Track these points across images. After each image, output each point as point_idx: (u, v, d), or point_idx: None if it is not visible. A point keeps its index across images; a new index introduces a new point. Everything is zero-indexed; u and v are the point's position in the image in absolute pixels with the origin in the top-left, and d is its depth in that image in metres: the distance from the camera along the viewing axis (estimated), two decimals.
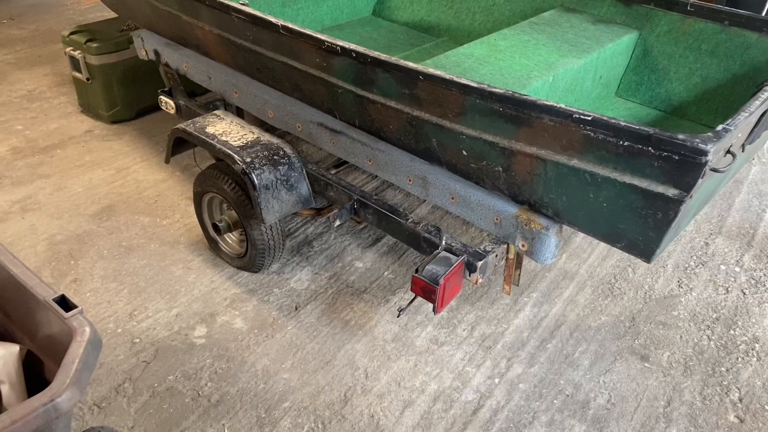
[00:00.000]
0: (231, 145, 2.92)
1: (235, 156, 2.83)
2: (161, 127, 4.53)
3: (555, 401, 2.53)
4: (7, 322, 1.85)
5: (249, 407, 2.51)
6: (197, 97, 3.78)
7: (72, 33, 4.49)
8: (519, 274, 2.67)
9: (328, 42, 2.50)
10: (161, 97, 3.72)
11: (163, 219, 3.61)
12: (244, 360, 2.72)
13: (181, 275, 3.20)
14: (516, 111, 2.12)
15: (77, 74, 4.53)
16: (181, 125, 3.08)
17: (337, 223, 2.82)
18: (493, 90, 2.13)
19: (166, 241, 3.44)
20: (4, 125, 4.62)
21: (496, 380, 2.62)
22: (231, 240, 3.30)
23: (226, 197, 3.05)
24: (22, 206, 3.72)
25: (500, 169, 2.35)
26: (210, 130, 3.04)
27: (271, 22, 2.67)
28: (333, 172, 3.45)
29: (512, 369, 2.67)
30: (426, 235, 2.60)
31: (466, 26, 3.89)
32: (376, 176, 3.13)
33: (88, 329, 1.49)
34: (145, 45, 3.82)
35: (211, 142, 2.94)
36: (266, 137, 3.02)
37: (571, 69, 2.88)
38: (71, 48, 4.46)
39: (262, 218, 2.83)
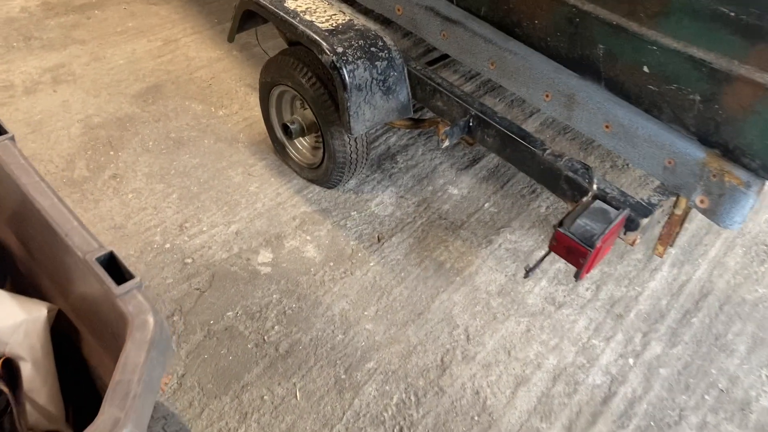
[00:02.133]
0: (318, 27, 2.27)
1: (324, 43, 2.19)
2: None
3: (706, 397, 2.02)
4: (31, 263, 1.33)
5: (325, 364, 2.04)
6: None
7: None
8: (677, 234, 2.08)
9: None
10: None
11: (219, 108, 3.02)
12: (319, 300, 2.23)
13: (240, 182, 2.66)
14: (760, 19, 1.46)
15: None
16: None
17: (446, 144, 2.21)
18: None
19: (223, 137, 2.87)
20: None
21: (630, 361, 2.10)
22: (303, 146, 2.72)
23: (303, 94, 2.44)
24: (54, 76, 3.14)
25: (698, 97, 1.71)
26: (290, 4, 2.38)
27: None
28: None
29: (650, 348, 2.15)
30: (570, 173, 1.99)
31: None
32: (473, 80, 2.48)
33: (151, 321, 0.96)
34: None
35: (293, 21, 2.29)
36: (361, 21, 2.35)
37: None
38: None
39: (350, 127, 2.23)
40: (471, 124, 2.24)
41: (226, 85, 3.16)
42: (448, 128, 2.21)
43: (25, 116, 2.90)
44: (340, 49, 2.19)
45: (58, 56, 3.28)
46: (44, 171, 2.64)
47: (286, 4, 2.37)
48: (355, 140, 2.46)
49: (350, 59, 2.19)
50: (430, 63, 2.86)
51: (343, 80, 2.17)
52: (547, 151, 2.06)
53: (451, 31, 2.26)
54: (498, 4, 2.08)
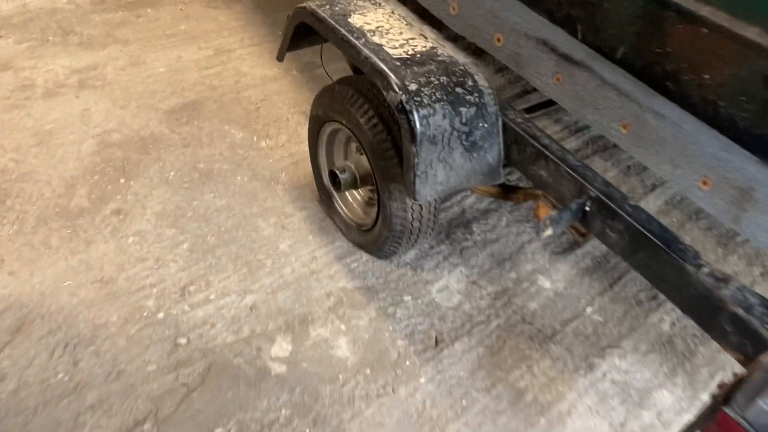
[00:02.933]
0: (387, 54, 1.67)
1: (392, 76, 1.59)
2: (289, 2, 3.29)
3: None
4: None
5: None
6: None
7: None
8: None
9: None
10: None
11: (263, 138, 2.47)
12: (342, 428, 1.60)
13: (270, 237, 2.08)
14: None
15: None
16: (310, 3, 1.85)
17: (549, 232, 1.55)
18: None
19: (260, 175, 2.31)
20: None
21: None
22: (354, 199, 2.13)
23: (360, 136, 1.85)
24: (81, 79, 2.68)
25: None
26: (356, 20, 1.79)
27: None
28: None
29: None
30: (740, 311, 1.30)
31: None
32: (579, 133, 1.82)
33: None
34: None
35: (355, 42, 1.70)
36: (447, 50, 1.74)
37: None
38: None
39: (414, 190, 1.62)
40: (587, 209, 1.58)
41: (276, 110, 2.62)
42: (553, 212, 1.56)
43: (35, 124, 2.43)
44: (413, 87, 1.59)
45: (93, 56, 2.82)
46: (37, 195, 2.15)
47: (350, 20, 1.79)
48: (420, 206, 1.84)
49: (425, 101, 1.58)
50: (528, 110, 2.23)
51: (412, 128, 1.56)
52: (704, 269, 1.36)
53: (570, 74, 1.62)
54: (646, 45, 1.43)
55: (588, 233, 1.64)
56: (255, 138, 2.46)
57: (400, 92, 1.57)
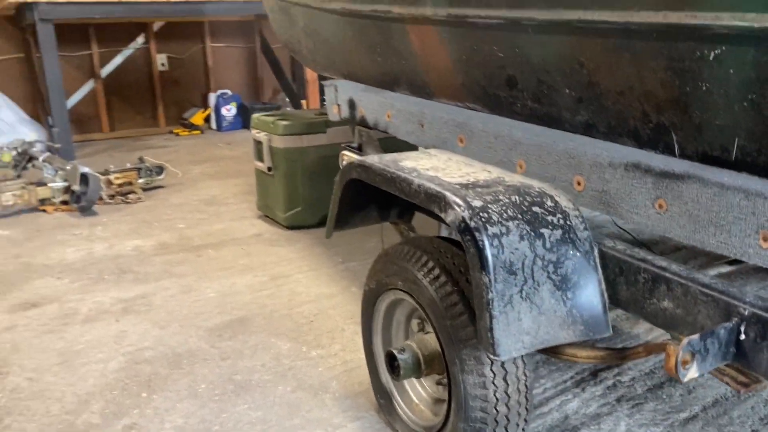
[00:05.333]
0: (443, 180, 1.41)
1: (449, 195, 1.31)
2: (350, 240, 3.15)
3: None
4: None
5: None
6: None
7: (264, 115, 3.57)
8: None
9: None
10: (343, 152, 2.40)
11: (313, 348, 2.11)
12: None
13: None
14: None
15: (259, 164, 3.51)
16: (361, 157, 1.68)
17: (693, 371, 1.06)
18: None
19: (306, 384, 1.90)
20: (168, 223, 3.66)
21: None
22: (418, 395, 1.66)
23: (420, 298, 1.49)
24: (126, 307, 2.50)
25: None
26: (408, 164, 1.58)
27: None
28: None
29: None
30: None
31: None
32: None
33: None
34: (339, 96, 2.63)
35: (406, 176, 1.46)
36: (516, 178, 1.47)
37: None
38: (257, 130, 3.49)
39: (492, 341, 1.21)
40: (743, 335, 1.10)
41: (331, 322, 2.30)
42: (693, 337, 1.08)
43: (64, 345, 2.19)
44: (477, 203, 1.28)
45: (144, 288, 2.68)
46: (42, 412, 1.80)
47: (402, 163, 1.58)
48: (504, 373, 1.37)
49: (494, 218, 1.26)
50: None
51: (480, 249, 1.22)
52: None
53: (676, 194, 1.28)
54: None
55: (753, 377, 1.12)
56: (304, 348, 2.11)
57: (462, 209, 1.26)
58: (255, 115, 3.60)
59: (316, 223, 3.39)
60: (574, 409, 1.75)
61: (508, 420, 1.42)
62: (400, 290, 1.56)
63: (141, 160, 4.50)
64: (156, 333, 2.26)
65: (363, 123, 2.48)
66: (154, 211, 3.92)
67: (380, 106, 2.34)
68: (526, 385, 1.41)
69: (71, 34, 6.19)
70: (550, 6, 1.40)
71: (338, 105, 2.65)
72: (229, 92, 7.25)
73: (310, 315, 2.36)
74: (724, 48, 1.12)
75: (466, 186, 1.37)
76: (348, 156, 2.33)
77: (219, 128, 7.22)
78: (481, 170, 1.52)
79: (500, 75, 1.68)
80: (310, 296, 2.53)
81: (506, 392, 1.39)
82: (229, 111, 7.20)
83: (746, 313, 1.09)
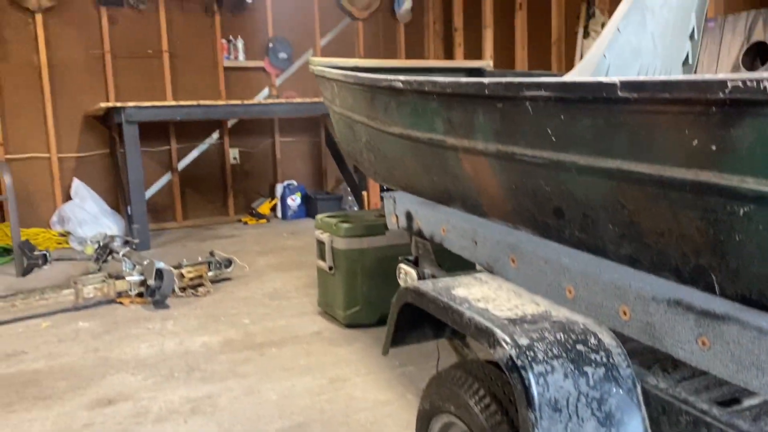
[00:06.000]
0: (492, 314, 1.51)
1: (498, 332, 1.41)
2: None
3: None
4: None
5: None
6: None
7: (327, 216, 3.77)
8: None
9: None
10: (401, 265, 2.54)
11: None
12: None
13: None
14: None
15: (321, 263, 3.68)
16: (415, 283, 1.80)
17: None
18: None
19: None
20: (233, 317, 3.85)
21: None
22: None
23: (471, 425, 1.56)
24: (194, 407, 2.64)
25: None
26: (460, 292, 1.69)
27: (601, 84, 1.39)
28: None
29: None
30: None
31: None
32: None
33: None
34: (397, 208, 2.79)
35: (457, 307, 1.57)
36: (562, 312, 1.55)
37: None
38: (320, 230, 3.69)
39: None
40: None
41: (387, 430, 2.36)
42: None
43: None
44: (524, 341, 1.37)
45: (210, 388, 2.82)
46: None
47: (454, 291, 1.69)
48: None
49: (540, 356, 1.35)
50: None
51: (526, 388, 1.30)
52: None
53: (718, 333, 1.34)
54: None
55: None
56: None
57: (509, 346, 1.35)
58: (318, 216, 3.81)
59: (375, 321, 3.51)
60: None
61: None
62: (453, 414, 1.64)
63: (212, 254, 4.76)
64: None
65: (420, 234, 2.62)
66: (221, 305, 4.12)
67: (436, 220, 2.48)
68: None
69: (152, 131, 6.70)
70: (591, 153, 1.52)
71: (396, 215, 2.80)
72: (295, 183, 7.60)
73: (366, 423, 2.44)
74: (752, 206, 1.20)
75: (514, 321, 1.46)
76: (405, 269, 2.46)
77: (284, 217, 7.53)
78: (529, 302, 1.61)
79: (548, 205, 1.79)
80: (368, 402, 2.61)
81: None
82: (294, 201, 7.52)
83: None
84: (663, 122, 1.30)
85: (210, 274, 4.58)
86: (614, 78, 1.35)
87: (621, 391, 1.37)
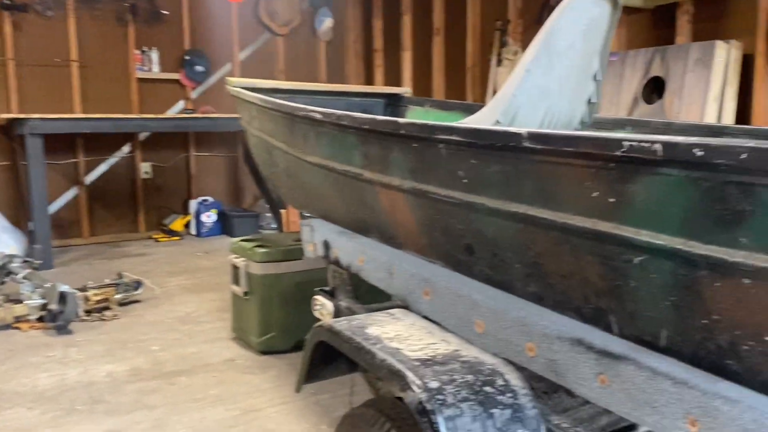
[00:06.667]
0: (404, 355, 1.54)
1: (409, 374, 1.43)
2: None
3: None
4: None
5: None
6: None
7: (243, 240, 3.70)
8: None
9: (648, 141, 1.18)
10: (316, 297, 2.53)
11: None
12: None
13: None
14: None
15: (235, 288, 3.61)
16: (329, 321, 1.80)
17: None
18: None
19: None
20: (142, 343, 3.71)
21: None
22: None
23: None
24: None
25: None
26: (374, 331, 1.70)
27: (506, 133, 1.45)
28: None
29: None
30: None
31: None
32: None
33: None
34: (315, 236, 2.79)
35: (370, 347, 1.58)
36: (472, 352, 1.60)
37: None
38: (235, 255, 3.62)
39: None
40: None
41: None
42: None
43: None
44: (433, 384, 1.40)
45: (116, 421, 2.71)
46: None
47: (367, 330, 1.70)
48: None
49: (449, 400, 1.38)
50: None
51: (435, 430, 1.32)
52: None
53: (615, 373, 1.41)
54: (690, 321, 1.27)
55: None
56: None
57: (420, 390, 1.37)
58: (233, 240, 3.74)
59: (291, 347, 3.47)
60: None
61: None
62: None
63: (119, 275, 4.57)
64: None
65: (337, 263, 2.62)
66: (130, 330, 3.97)
67: (353, 250, 2.49)
68: None
69: (59, 142, 6.38)
70: (499, 197, 1.57)
71: (314, 244, 2.79)
72: (210, 199, 7.43)
73: None
74: (646, 257, 1.28)
75: (425, 362, 1.49)
76: (320, 301, 2.45)
77: (199, 234, 7.34)
78: (440, 340, 1.65)
79: (460, 242, 1.84)
80: None
81: None
82: (209, 217, 7.35)
83: None
84: (566, 173, 1.37)
85: (118, 296, 4.40)
86: (522, 129, 1.41)
87: (526, 431, 1.41)
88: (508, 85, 2.36)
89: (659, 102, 4.54)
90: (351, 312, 2.34)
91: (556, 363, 1.56)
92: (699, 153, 1.04)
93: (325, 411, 2.76)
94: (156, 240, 7.07)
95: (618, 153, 1.20)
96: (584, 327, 1.52)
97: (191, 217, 7.39)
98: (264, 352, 3.48)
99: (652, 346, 1.38)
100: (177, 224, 7.27)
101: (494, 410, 1.40)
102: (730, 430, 1.20)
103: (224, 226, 7.42)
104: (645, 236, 1.25)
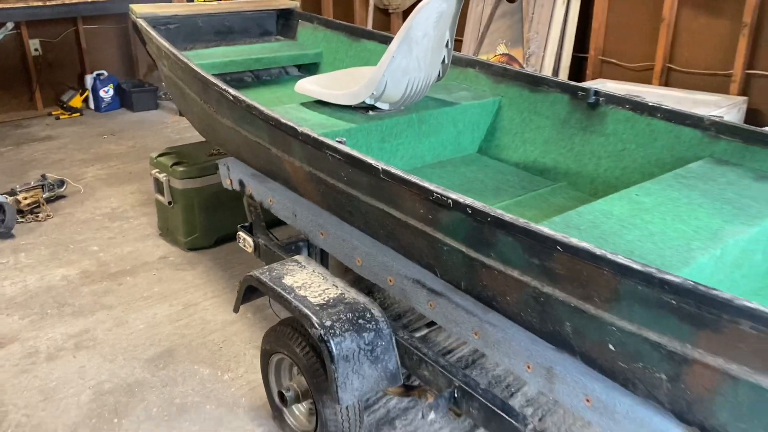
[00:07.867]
0: (309, 302, 2.43)
1: (313, 318, 2.34)
2: (238, 258, 4.16)
3: None
4: None
5: None
6: (279, 235, 3.37)
7: (160, 155, 4.31)
8: None
9: (437, 193, 2.03)
10: (240, 233, 3.35)
11: (225, 372, 3.12)
12: None
13: None
14: (698, 308, 1.54)
15: (160, 197, 4.30)
16: (255, 273, 2.65)
17: (431, 416, 2.21)
18: (666, 278, 1.55)
19: (225, 402, 2.92)
20: (81, 244, 4.39)
21: None
22: (300, 412, 2.74)
23: (298, 362, 2.53)
24: (77, 342, 3.34)
25: (664, 377, 1.73)
26: (287, 281, 2.58)
27: (370, 164, 2.24)
28: (424, 332, 2.92)
29: None
30: None
31: (588, 171, 3.37)
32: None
33: None
34: (231, 174, 3.51)
35: (288, 296, 2.47)
36: (351, 294, 2.52)
37: (741, 239, 2.26)
38: (157, 170, 4.26)
39: (338, 397, 2.27)
40: (456, 395, 2.26)
41: (235, 348, 3.30)
42: (432, 400, 2.23)
43: (41, 383, 3.03)
44: (328, 323, 2.33)
45: (84, 322, 3.51)
46: None
47: (284, 281, 2.58)
48: (347, 409, 2.47)
49: (337, 332, 2.31)
50: (429, 325, 2.96)
51: (330, 352, 2.27)
52: (529, 426, 2.03)
53: (436, 302, 2.38)
54: (477, 280, 2.21)
55: (461, 412, 2.29)
56: (219, 372, 3.11)
57: (320, 328, 2.30)
58: (152, 155, 4.33)
59: (213, 243, 4.30)
60: (393, 405, 2.91)
61: (350, 429, 2.53)
62: (287, 356, 2.59)
63: (43, 176, 5.06)
64: (108, 367, 3.15)
65: (251, 198, 3.39)
66: (65, 229, 4.61)
67: (264, 192, 3.26)
68: (358, 411, 2.51)
69: None
70: (367, 194, 2.41)
71: (230, 179, 3.53)
72: (106, 73, 7.61)
73: (219, 342, 3.34)
74: (448, 247, 2.19)
75: (322, 307, 2.40)
76: (243, 236, 3.27)
77: (98, 109, 7.62)
78: (331, 285, 2.55)
79: (344, 208, 2.69)
80: (218, 324, 3.50)
81: (348, 416, 2.49)
82: (108, 92, 7.60)
83: (457, 384, 2.23)
84: (404, 193, 2.21)
85: (44, 195, 4.94)
86: (379, 163, 2.21)
87: (383, 342, 2.39)
88: (379, 68, 3.08)
89: (519, 1, 5.36)
90: (267, 250, 3.18)
91: (405, 291, 2.52)
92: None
93: (250, 302, 3.67)
94: (56, 117, 7.30)
95: (430, 198, 2.06)
96: (423, 271, 2.46)
97: (89, 93, 7.59)
98: (191, 249, 4.28)
99: (459, 288, 2.33)
100: (76, 101, 7.48)
101: (364, 333, 2.35)
102: (493, 340, 2.20)
103: (123, 99, 7.71)
104: (447, 239, 2.15)
